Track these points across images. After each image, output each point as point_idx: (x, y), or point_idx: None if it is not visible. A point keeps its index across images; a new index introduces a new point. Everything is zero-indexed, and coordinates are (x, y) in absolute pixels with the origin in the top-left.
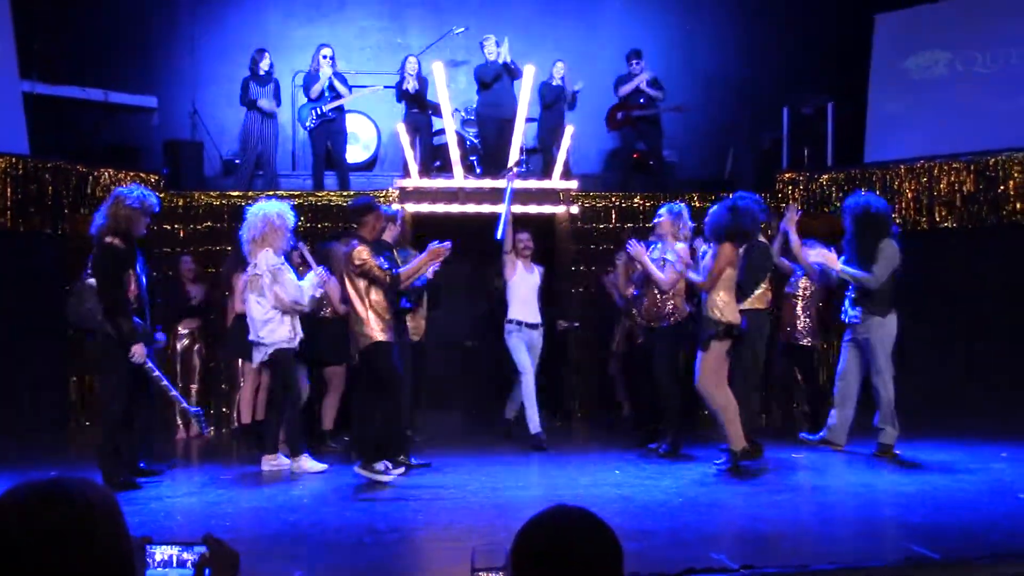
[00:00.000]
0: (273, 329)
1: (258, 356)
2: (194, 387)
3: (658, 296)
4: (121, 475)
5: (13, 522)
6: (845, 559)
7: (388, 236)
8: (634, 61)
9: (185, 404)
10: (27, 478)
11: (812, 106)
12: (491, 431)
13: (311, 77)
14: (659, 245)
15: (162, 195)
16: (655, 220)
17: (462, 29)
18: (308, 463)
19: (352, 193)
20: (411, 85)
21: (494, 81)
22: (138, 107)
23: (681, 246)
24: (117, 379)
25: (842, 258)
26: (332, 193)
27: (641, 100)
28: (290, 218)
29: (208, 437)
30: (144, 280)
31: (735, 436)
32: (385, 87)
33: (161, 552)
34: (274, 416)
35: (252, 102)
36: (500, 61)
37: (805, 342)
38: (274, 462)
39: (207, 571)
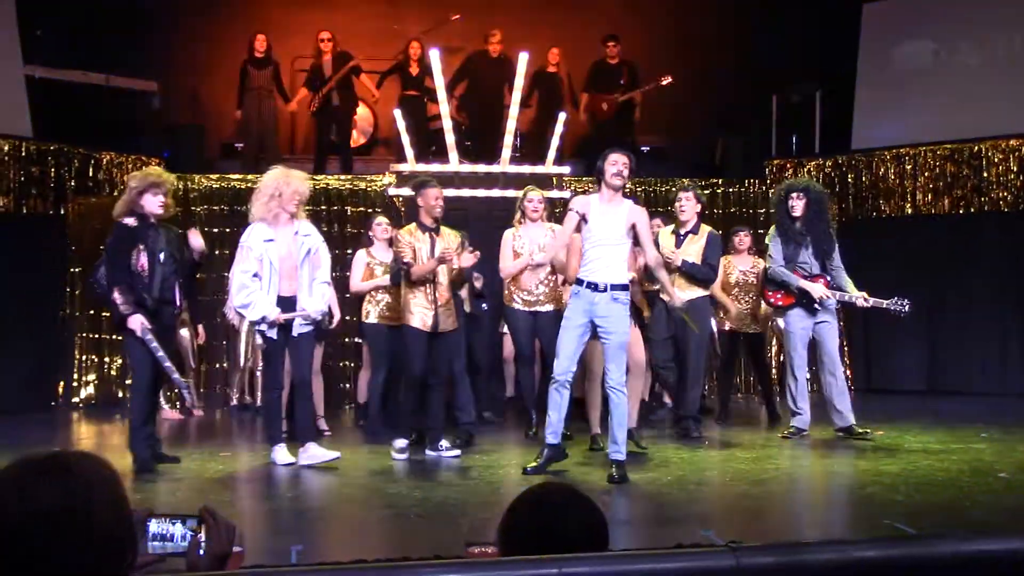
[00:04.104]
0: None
1: None
2: (191, 368)
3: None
4: (148, 457)
5: (11, 498)
6: (827, 535)
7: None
8: (611, 43)
9: (175, 377)
10: (28, 454)
11: (800, 94)
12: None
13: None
14: None
15: None
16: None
17: (458, 16)
18: (279, 453)
19: (350, 177)
20: (414, 69)
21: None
22: (139, 91)
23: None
24: (134, 355)
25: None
26: (330, 177)
27: (621, 82)
28: (291, 189)
29: (198, 412)
30: (160, 257)
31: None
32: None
33: (157, 524)
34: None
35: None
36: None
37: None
38: (306, 453)
39: (202, 543)
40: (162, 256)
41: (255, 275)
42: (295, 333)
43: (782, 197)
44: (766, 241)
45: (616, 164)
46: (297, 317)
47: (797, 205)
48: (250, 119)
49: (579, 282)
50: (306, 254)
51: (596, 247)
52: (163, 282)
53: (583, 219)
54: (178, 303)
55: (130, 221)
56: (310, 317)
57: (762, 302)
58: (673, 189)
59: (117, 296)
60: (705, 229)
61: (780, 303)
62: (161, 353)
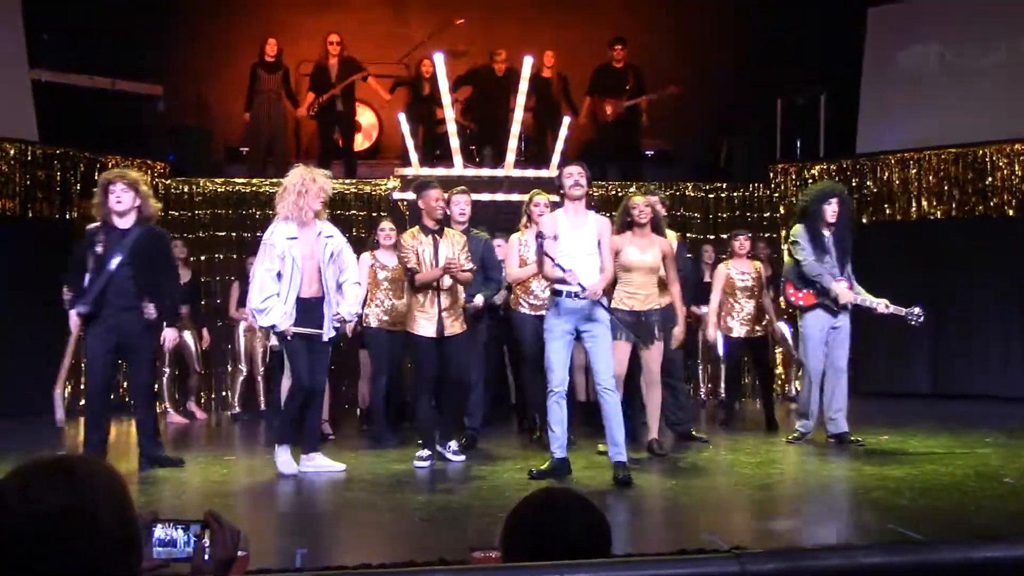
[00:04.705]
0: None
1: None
2: (195, 372)
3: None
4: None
5: (14, 499)
6: (832, 540)
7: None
8: (618, 46)
9: (56, 386)
10: (33, 457)
11: (805, 97)
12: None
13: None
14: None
15: (168, 182)
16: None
17: (462, 20)
18: (283, 455)
19: (354, 181)
20: (425, 89)
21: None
22: (145, 94)
23: None
24: (88, 355)
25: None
26: (334, 181)
27: (627, 86)
28: (316, 186)
29: (60, 425)
30: (112, 263)
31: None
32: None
33: (162, 529)
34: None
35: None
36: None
37: None
38: (311, 462)
39: (207, 548)
40: (114, 262)
41: (278, 274)
42: (327, 339)
43: (820, 200)
44: (794, 237)
45: (572, 176)
46: (315, 331)
47: (838, 210)
48: (259, 122)
49: (557, 292)
50: (331, 256)
51: (570, 260)
52: (111, 286)
53: (555, 238)
54: (143, 307)
55: (93, 225)
56: (344, 321)
57: (763, 307)
58: (676, 193)
59: (64, 292)
60: (672, 234)
61: (802, 302)
62: (69, 355)
